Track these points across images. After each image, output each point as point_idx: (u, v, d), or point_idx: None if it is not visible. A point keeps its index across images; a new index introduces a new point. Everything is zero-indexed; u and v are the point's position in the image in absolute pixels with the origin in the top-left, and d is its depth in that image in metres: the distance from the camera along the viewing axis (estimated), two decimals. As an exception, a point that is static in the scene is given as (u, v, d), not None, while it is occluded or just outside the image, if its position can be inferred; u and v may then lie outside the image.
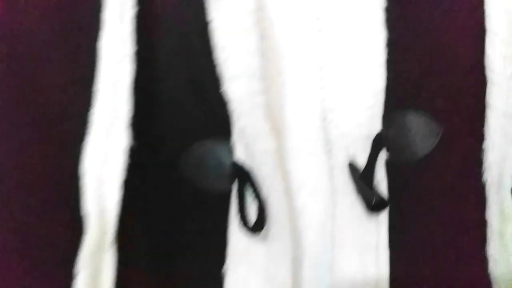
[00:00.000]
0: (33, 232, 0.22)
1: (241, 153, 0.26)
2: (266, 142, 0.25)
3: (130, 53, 0.23)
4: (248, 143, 0.25)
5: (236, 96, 0.24)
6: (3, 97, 0.23)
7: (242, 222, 0.26)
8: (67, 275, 0.22)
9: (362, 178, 0.28)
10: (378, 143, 0.28)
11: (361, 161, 0.29)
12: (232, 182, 0.27)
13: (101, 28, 0.22)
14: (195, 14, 0.24)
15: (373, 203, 0.27)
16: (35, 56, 0.23)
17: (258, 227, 0.25)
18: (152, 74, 0.24)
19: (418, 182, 0.29)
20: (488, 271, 0.29)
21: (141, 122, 0.23)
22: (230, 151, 0.27)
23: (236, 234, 0.27)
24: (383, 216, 0.29)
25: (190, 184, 0.27)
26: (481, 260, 0.29)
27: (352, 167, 0.29)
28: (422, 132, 0.29)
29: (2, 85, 0.23)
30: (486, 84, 0.28)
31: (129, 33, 0.23)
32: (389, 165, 0.29)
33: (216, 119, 0.26)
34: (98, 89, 0.22)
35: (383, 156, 0.29)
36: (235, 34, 0.24)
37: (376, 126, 0.28)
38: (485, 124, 0.28)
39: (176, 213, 0.27)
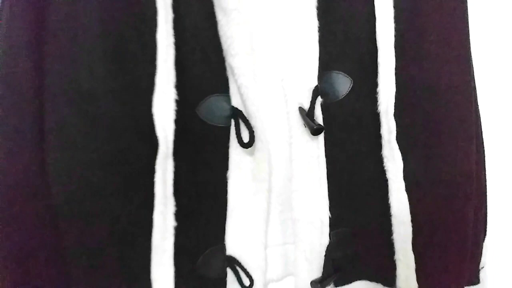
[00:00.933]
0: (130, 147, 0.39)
1: (235, 101, 0.43)
2: (253, 93, 0.42)
3: (172, 42, 0.39)
4: (242, 94, 0.42)
5: (237, 65, 0.41)
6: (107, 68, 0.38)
7: (239, 142, 0.43)
8: (150, 172, 0.38)
9: (307, 115, 0.46)
10: (315, 93, 0.46)
11: (306, 106, 0.46)
12: (230, 119, 0.44)
13: (156, 25, 0.38)
14: (208, 16, 0.40)
15: (314, 129, 0.45)
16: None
17: (249, 144, 0.43)
18: (183, 56, 0.41)
19: (339, 115, 0.47)
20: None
21: (179, 84, 0.40)
22: (229, 100, 0.43)
23: (234, 150, 0.44)
24: (321, 138, 0.47)
25: (205, 122, 0.43)
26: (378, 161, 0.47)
27: (301, 109, 0.46)
28: (340, 84, 0.47)
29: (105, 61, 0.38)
30: (377, 51, 0.46)
31: (171, 30, 0.39)
32: (322, 105, 0.47)
33: (220, 80, 0.43)
34: (158, 64, 0.38)
35: (319, 101, 0.47)
36: (233, 30, 0.41)
37: (314, 82, 0.46)
38: (378, 79, 0.46)
39: (197, 140, 0.43)
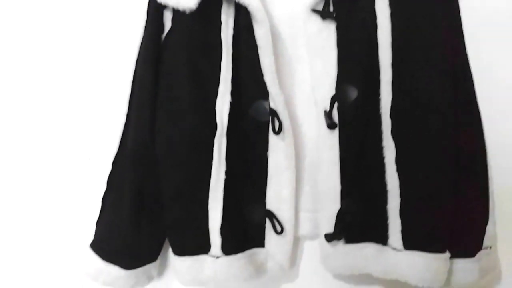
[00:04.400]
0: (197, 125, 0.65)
1: (272, 104, 0.65)
2: (280, 99, 0.64)
3: (230, 68, 0.64)
4: (275, 100, 0.64)
5: (267, 80, 0.64)
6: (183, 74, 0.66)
7: (273, 131, 0.65)
8: (209, 146, 0.64)
9: (327, 115, 0.65)
10: (333, 99, 0.65)
11: (327, 108, 0.66)
12: (269, 116, 0.66)
13: (221, 58, 0.64)
14: (254, 48, 0.65)
15: (330, 124, 0.64)
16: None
17: (278, 132, 0.64)
18: (238, 74, 0.66)
19: (350, 115, 0.65)
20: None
21: (233, 92, 0.65)
22: (268, 104, 0.66)
23: (271, 137, 0.66)
24: (336, 131, 0.65)
25: (254, 119, 0.66)
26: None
27: (325, 112, 0.66)
28: (350, 93, 0.65)
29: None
30: (379, 69, 0.63)
31: (230, 59, 0.65)
32: (338, 109, 0.65)
33: (264, 90, 0.65)
34: (220, 81, 0.64)
35: (336, 105, 0.65)
36: (263, 59, 0.64)
37: (332, 91, 0.65)
38: (380, 90, 0.63)
39: (249, 129, 0.67)
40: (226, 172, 0.65)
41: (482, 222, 0.65)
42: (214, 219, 0.65)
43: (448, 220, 0.61)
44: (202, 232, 0.66)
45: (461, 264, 0.63)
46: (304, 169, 0.70)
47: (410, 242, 0.61)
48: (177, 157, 0.66)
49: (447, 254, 0.62)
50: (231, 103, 0.64)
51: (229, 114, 0.64)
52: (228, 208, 0.65)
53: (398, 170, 0.62)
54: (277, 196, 0.67)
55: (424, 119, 0.61)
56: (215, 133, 0.64)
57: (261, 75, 0.64)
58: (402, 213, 0.61)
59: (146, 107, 0.67)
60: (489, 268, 0.67)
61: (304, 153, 0.69)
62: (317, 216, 0.68)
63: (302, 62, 0.69)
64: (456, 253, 0.63)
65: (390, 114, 0.62)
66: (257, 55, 0.64)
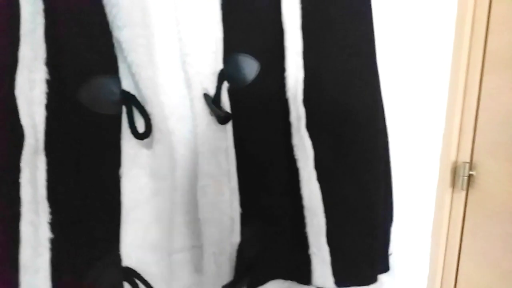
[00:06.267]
0: None
1: (126, 84, 0.37)
2: (147, 71, 0.36)
3: (41, 9, 0.31)
4: (134, 74, 0.35)
5: (125, 39, 0.34)
6: None
7: (133, 133, 0.36)
8: (15, 170, 0.30)
9: (213, 102, 0.41)
10: (221, 77, 0.41)
11: (211, 91, 0.42)
12: (121, 106, 0.37)
13: None
14: None
15: (221, 117, 0.40)
16: None
17: (145, 134, 0.36)
18: (57, 27, 0.33)
19: (248, 101, 0.43)
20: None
21: (53, 61, 0.32)
22: (118, 83, 0.36)
23: (128, 143, 0.38)
24: (229, 127, 0.42)
25: (89, 109, 0.36)
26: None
27: (206, 96, 0.41)
28: (247, 67, 0.43)
29: None
30: (283, 35, 0.43)
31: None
32: (229, 91, 0.42)
33: (107, 59, 0.36)
34: (21, 34, 0.30)
35: (225, 86, 0.42)
36: None
37: (219, 65, 0.41)
38: (285, 63, 0.43)
39: (80, 131, 0.36)
40: (52, 224, 0.33)
41: (390, 229, 0.54)
42: None
43: (382, 236, 0.48)
44: None
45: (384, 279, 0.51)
46: (175, 188, 0.43)
47: (346, 275, 0.45)
48: None
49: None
50: (49, 84, 0.32)
51: (48, 107, 0.32)
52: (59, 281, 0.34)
53: (320, 178, 0.44)
54: (141, 241, 0.39)
55: (348, 107, 0.45)
56: (21, 150, 0.31)
57: (105, 26, 0.35)
58: (331, 237, 0.44)
59: None
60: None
61: (172, 163, 0.42)
62: (196, 254, 0.45)
63: (163, 20, 0.41)
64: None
65: (304, 100, 0.43)
66: None
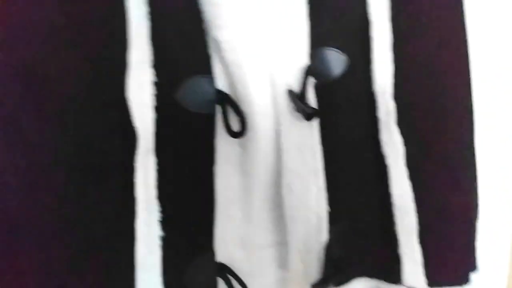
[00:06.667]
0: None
1: (221, 83, 0.37)
2: (243, 70, 0.36)
3: (146, 11, 0.31)
4: (232, 74, 0.35)
5: (225, 39, 0.34)
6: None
7: (228, 131, 0.37)
8: (127, 173, 0.31)
9: (298, 98, 0.40)
10: (306, 73, 0.41)
11: (296, 88, 0.41)
12: (215, 105, 0.37)
13: None
14: None
15: (307, 113, 0.40)
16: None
17: (241, 133, 0.36)
18: (157, 29, 0.33)
19: (335, 97, 0.42)
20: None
21: (157, 63, 0.33)
22: (212, 82, 0.37)
23: (221, 141, 0.38)
24: (315, 124, 0.42)
25: (185, 109, 0.36)
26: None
27: (290, 92, 0.41)
28: (334, 62, 0.42)
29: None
30: (370, 26, 0.41)
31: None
32: (315, 87, 0.41)
33: (201, 58, 0.36)
34: (130, 38, 0.30)
35: (311, 81, 0.41)
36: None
37: (305, 60, 0.41)
38: (372, 55, 0.42)
39: (178, 131, 0.36)
40: (162, 223, 0.34)
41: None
42: None
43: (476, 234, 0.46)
44: None
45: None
46: (260, 185, 0.43)
47: (438, 275, 0.43)
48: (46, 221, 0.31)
49: None
50: (154, 85, 0.33)
51: (155, 109, 0.33)
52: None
53: (411, 175, 0.42)
54: (233, 238, 0.40)
55: (442, 102, 0.43)
56: (134, 151, 0.32)
57: (200, 26, 0.35)
58: (423, 236, 0.42)
59: None
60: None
61: (261, 160, 0.42)
62: (282, 252, 0.44)
63: (251, 8, 0.41)
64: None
65: (394, 95, 0.42)
66: None
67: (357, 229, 0.44)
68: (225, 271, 0.39)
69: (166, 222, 0.35)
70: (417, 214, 0.42)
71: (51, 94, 0.30)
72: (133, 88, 0.31)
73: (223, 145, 0.38)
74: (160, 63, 0.33)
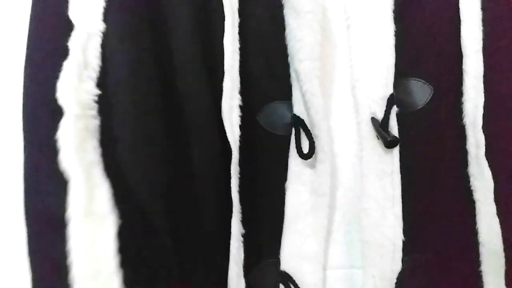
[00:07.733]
0: None
1: (298, 109, 0.41)
2: (318, 100, 0.40)
3: (237, 48, 0.40)
4: (307, 101, 0.40)
5: (303, 71, 0.39)
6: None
7: (298, 152, 0.41)
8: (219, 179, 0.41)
9: (380, 126, 0.42)
10: (390, 102, 0.42)
11: (379, 116, 0.42)
12: (291, 128, 0.42)
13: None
14: (273, 19, 0.40)
15: (388, 141, 0.40)
16: None
17: (309, 155, 0.40)
18: (247, 60, 0.40)
19: (417, 127, 0.42)
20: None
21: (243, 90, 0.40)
22: (291, 108, 0.41)
23: (294, 161, 0.42)
24: (396, 151, 0.42)
25: (265, 129, 0.42)
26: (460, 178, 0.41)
27: (374, 120, 0.42)
28: (419, 92, 0.42)
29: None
30: (462, 56, 0.40)
31: (237, 36, 0.40)
32: (398, 116, 0.42)
33: (283, 86, 0.41)
34: (225, 70, 0.39)
35: (394, 110, 0.42)
36: (305, 33, 0.39)
37: (389, 90, 0.42)
38: (463, 84, 0.41)
39: (258, 148, 0.42)
40: (241, 216, 0.41)
41: None
42: None
43: None
44: None
45: None
46: (335, 207, 0.45)
47: None
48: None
49: None
50: (241, 108, 0.40)
51: (241, 128, 0.40)
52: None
53: (498, 212, 0.39)
54: (298, 251, 0.43)
55: None
56: (229, 160, 0.40)
57: (285, 59, 0.40)
58: (509, 279, 0.38)
59: None
60: None
61: (335, 183, 0.44)
62: (354, 275, 0.45)
63: (335, 43, 0.44)
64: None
65: (484, 126, 0.40)
66: (281, 25, 0.40)
67: (435, 264, 0.42)
68: (287, 279, 0.42)
69: (244, 223, 0.41)
70: (505, 255, 0.38)
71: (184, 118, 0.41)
72: (226, 110, 0.39)
73: (295, 164, 0.42)
74: (246, 90, 0.40)
